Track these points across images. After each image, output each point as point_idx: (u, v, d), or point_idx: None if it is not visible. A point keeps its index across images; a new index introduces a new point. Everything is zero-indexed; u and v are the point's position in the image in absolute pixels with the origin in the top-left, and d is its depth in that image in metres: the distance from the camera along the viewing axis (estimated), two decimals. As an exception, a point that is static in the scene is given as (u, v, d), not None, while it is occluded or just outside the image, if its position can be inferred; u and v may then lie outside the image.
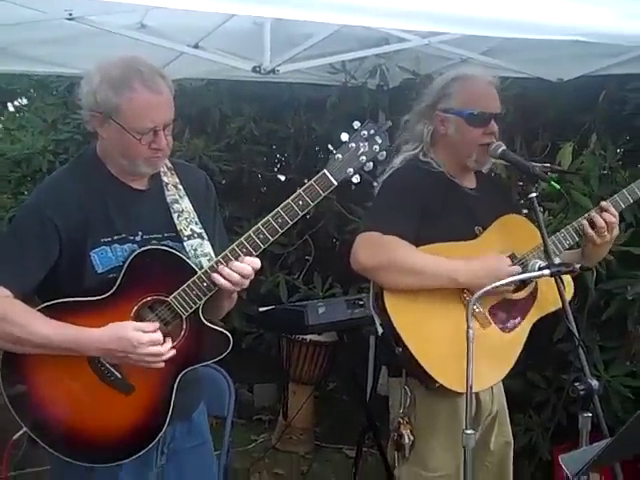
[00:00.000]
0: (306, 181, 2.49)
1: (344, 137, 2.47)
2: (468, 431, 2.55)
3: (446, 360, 2.82)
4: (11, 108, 9.69)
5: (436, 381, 2.85)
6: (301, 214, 2.46)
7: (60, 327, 2.42)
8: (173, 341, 2.50)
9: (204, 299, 2.49)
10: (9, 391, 2.50)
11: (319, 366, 5.53)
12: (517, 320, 3.02)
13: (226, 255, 2.46)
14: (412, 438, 2.95)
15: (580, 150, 4.36)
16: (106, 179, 2.57)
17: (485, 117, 3.00)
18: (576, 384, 2.57)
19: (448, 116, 3.03)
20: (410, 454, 2.96)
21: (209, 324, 2.55)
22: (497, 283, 2.67)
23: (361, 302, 4.58)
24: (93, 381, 2.48)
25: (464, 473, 2.58)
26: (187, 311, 2.49)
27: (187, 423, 2.71)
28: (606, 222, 3.04)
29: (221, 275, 2.45)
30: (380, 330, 2.97)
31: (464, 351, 2.58)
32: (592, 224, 3.05)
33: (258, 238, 2.45)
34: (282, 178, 6.62)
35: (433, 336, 2.88)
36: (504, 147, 2.99)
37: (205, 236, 2.60)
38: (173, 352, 2.46)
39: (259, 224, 2.47)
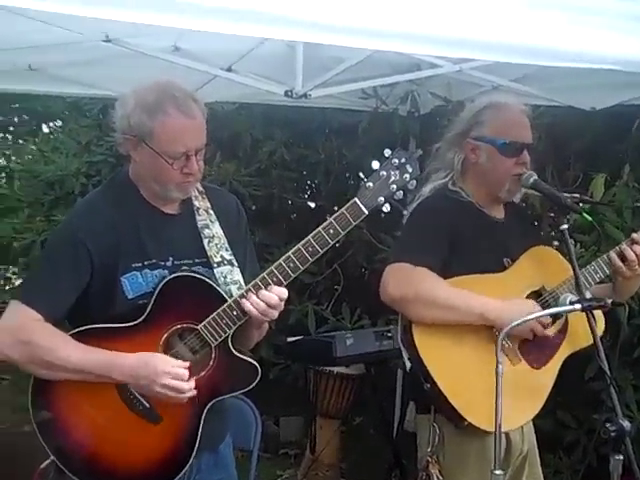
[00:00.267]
0: (336, 208, 2.48)
1: (375, 165, 2.46)
2: (497, 472, 2.48)
3: (475, 398, 2.76)
4: (45, 130, 9.82)
5: (465, 419, 2.80)
6: (332, 243, 2.45)
7: (90, 351, 2.43)
8: (202, 370, 2.49)
9: (234, 328, 2.48)
10: (38, 418, 2.51)
11: (346, 399, 5.48)
12: (548, 356, 2.96)
13: (256, 283, 2.46)
14: (441, 478, 2.89)
15: (613, 181, 4.31)
16: (138, 203, 2.58)
17: (517, 147, 2.98)
18: (607, 425, 2.50)
19: (480, 144, 3.01)
20: None
21: (238, 354, 2.53)
22: (528, 317, 2.63)
23: (389, 334, 4.55)
24: (122, 410, 2.48)
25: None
26: (216, 340, 2.48)
27: (213, 455, 2.69)
28: (637, 255, 2.99)
29: (249, 303, 2.43)
30: (408, 364, 2.93)
31: (494, 388, 2.52)
32: (623, 257, 3.00)
33: (288, 267, 2.45)
34: (312, 205, 6.62)
35: (462, 372, 2.84)
36: (536, 177, 2.96)
37: (235, 263, 2.59)
38: (195, 392, 2.45)
39: (290, 252, 2.46)
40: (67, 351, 2.42)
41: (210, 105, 2.56)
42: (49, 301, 2.47)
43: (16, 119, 11.00)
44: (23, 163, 8.42)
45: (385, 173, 2.45)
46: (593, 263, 3.04)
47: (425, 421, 2.95)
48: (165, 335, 2.49)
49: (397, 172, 2.46)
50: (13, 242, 7.22)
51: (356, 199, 2.44)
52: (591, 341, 2.71)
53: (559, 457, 4.36)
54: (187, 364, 2.45)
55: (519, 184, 3.00)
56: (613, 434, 2.48)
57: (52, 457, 2.51)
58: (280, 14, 2.05)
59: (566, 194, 2.93)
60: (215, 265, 2.57)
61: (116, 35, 3.48)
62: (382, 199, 2.46)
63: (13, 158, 9.93)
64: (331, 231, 2.44)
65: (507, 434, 2.93)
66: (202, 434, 2.51)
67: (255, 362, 2.54)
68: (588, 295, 2.81)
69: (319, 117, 5.93)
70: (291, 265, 2.44)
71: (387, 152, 2.48)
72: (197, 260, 2.59)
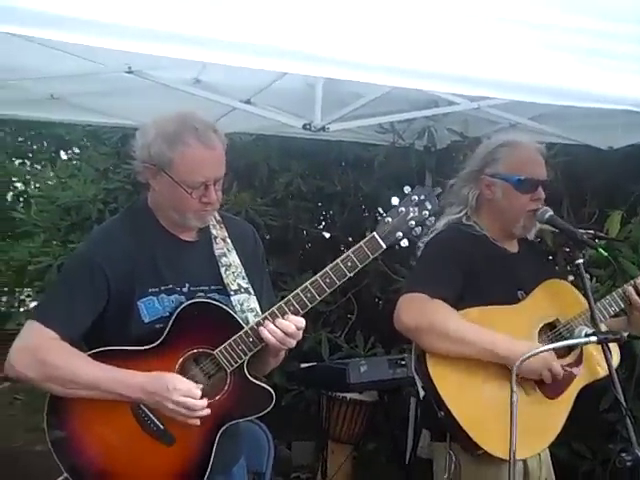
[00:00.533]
0: (351, 239, 2.51)
1: (394, 201, 2.49)
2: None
3: (490, 426, 2.77)
4: (64, 156, 9.92)
5: (480, 447, 2.80)
6: (349, 275, 2.48)
7: (105, 369, 2.45)
8: (216, 395, 2.50)
9: (249, 354, 2.50)
10: (52, 436, 2.52)
11: (359, 425, 5.46)
12: (563, 387, 2.96)
13: (273, 312, 2.48)
14: None
15: (629, 218, 4.32)
16: (155, 230, 2.61)
17: (533, 183, 3.01)
18: (623, 454, 2.50)
19: (495, 181, 3.04)
20: None
21: (253, 379, 2.55)
22: (544, 347, 2.63)
23: (403, 362, 4.56)
24: (135, 430, 2.49)
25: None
26: (232, 365, 2.50)
27: (227, 477, 2.70)
28: None
29: (266, 330, 2.45)
30: (422, 393, 2.95)
31: (507, 417, 2.52)
32: (637, 290, 3.02)
33: (305, 297, 2.47)
34: (327, 235, 6.65)
35: (476, 401, 2.85)
36: (551, 212, 2.99)
37: (252, 291, 2.62)
38: (208, 411, 2.46)
39: (307, 283, 2.48)
40: (82, 369, 2.45)
41: (228, 136, 2.58)
42: (65, 321, 2.49)
43: (35, 146, 11.11)
44: (41, 189, 8.48)
45: (404, 209, 2.48)
46: (608, 297, 3.06)
47: (441, 448, 2.95)
48: (181, 359, 2.51)
49: (416, 209, 2.49)
50: (28, 265, 7.27)
51: (375, 233, 2.47)
52: (606, 372, 2.73)
53: (575, 487, 4.35)
54: (200, 385, 2.46)
55: (534, 220, 3.03)
56: (629, 463, 2.48)
57: (65, 474, 2.52)
58: (300, 50, 2.08)
59: (581, 230, 2.95)
60: (232, 293, 2.59)
61: (138, 67, 3.52)
62: (400, 234, 2.48)
63: (31, 184, 10.02)
64: (349, 264, 2.46)
65: (524, 461, 2.94)
66: (215, 457, 2.53)
67: (270, 388, 2.56)
68: (603, 328, 2.82)
69: (336, 150, 5.97)
70: (308, 295, 2.47)
71: (407, 189, 2.51)
72: (213, 287, 2.62)
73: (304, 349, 5.40)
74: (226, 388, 2.53)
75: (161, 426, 2.49)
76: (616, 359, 2.95)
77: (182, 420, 2.45)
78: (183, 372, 2.51)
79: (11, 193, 10.58)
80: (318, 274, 2.48)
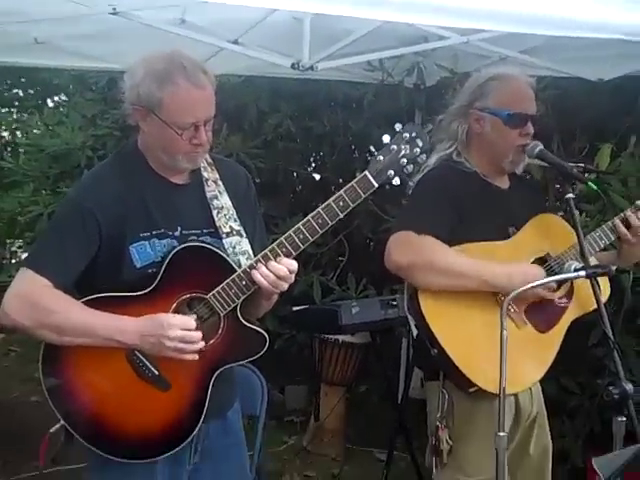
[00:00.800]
0: (341, 180, 2.50)
1: (386, 139, 2.47)
2: (500, 433, 2.50)
3: (482, 362, 2.79)
4: (50, 104, 9.81)
5: (473, 384, 2.83)
6: (341, 215, 2.47)
7: (99, 315, 2.45)
8: (210, 339, 2.51)
9: (242, 297, 2.50)
10: (48, 384, 2.53)
11: (351, 367, 5.53)
12: (553, 320, 2.99)
13: (266, 254, 2.47)
14: (450, 443, 2.93)
15: (619, 152, 4.31)
16: (146, 173, 2.59)
17: (522, 118, 2.99)
18: (610, 387, 2.53)
19: (484, 115, 3.02)
20: (448, 459, 2.94)
21: (246, 323, 2.55)
22: (532, 284, 2.64)
23: (395, 303, 4.57)
24: (130, 377, 2.50)
25: (497, 476, 2.55)
26: (225, 309, 2.50)
27: (222, 421, 2.72)
28: None
29: (259, 273, 2.45)
30: (415, 331, 2.97)
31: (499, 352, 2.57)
32: (627, 223, 3.03)
33: (298, 238, 2.46)
34: (317, 177, 6.63)
35: (469, 337, 2.87)
36: (541, 146, 2.98)
37: (244, 234, 2.61)
38: (203, 344, 2.46)
39: (299, 224, 2.47)
40: (76, 315, 2.45)
41: (217, 78, 2.55)
42: (58, 268, 2.48)
43: (21, 94, 10.98)
44: (28, 137, 8.41)
45: (396, 147, 2.47)
46: (598, 230, 3.06)
47: (434, 387, 2.98)
48: (174, 304, 2.50)
49: (407, 146, 2.48)
50: (18, 216, 7.24)
51: (366, 172, 2.46)
52: (596, 305, 2.74)
53: (562, 422, 4.41)
54: (194, 316, 2.47)
55: (522, 155, 3.02)
56: (616, 397, 2.50)
57: (62, 422, 2.54)
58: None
59: (572, 164, 2.95)
60: (224, 235, 2.58)
61: (123, 8, 3.47)
62: (392, 172, 2.47)
63: (18, 133, 9.93)
64: (341, 203, 2.45)
65: (516, 397, 2.99)
66: (210, 401, 2.54)
67: (263, 331, 2.57)
68: (593, 262, 2.84)
69: (324, 90, 5.93)
70: (300, 236, 2.46)
71: (398, 126, 2.49)
72: (205, 230, 2.60)
73: (295, 293, 5.41)
74: (220, 332, 2.53)
75: (156, 372, 2.50)
76: (606, 293, 2.97)
77: (180, 357, 2.45)
78: None
79: (-2, 143, 10.50)
80: (310, 215, 2.47)
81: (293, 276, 2.51)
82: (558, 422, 4.35)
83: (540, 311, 2.97)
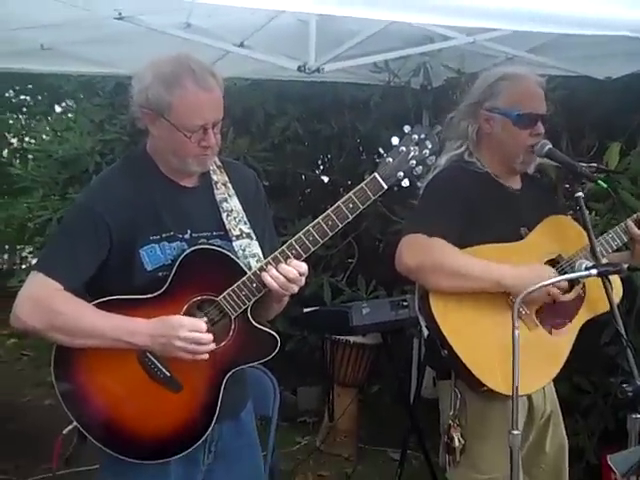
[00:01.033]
0: (350, 182, 2.50)
1: (395, 141, 2.47)
2: (514, 431, 2.51)
3: (493, 363, 2.78)
4: (58, 109, 9.84)
5: (483, 384, 2.82)
6: (351, 217, 2.47)
7: (110, 317, 2.45)
8: (221, 341, 2.51)
9: (253, 300, 2.50)
10: (61, 387, 2.53)
11: (363, 368, 5.53)
12: (565, 322, 2.97)
13: (276, 257, 2.47)
14: (462, 441, 2.92)
15: (628, 150, 4.29)
16: (155, 176, 2.59)
17: (532, 118, 2.97)
18: (624, 385, 2.52)
19: (494, 115, 3.00)
20: (461, 457, 2.93)
21: (257, 325, 2.55)
22: (543, 283, 2.63)
23: (405, 303, 4.56)
24: (142, 379, 2.50)
25: (511, 473, 2.54)
26: (236, 311, 2.50)
27: (235, 422, 2.72)
28: None
29: (269, 276, 2.45)
30: (425, 332, 2.96)
31: (510, 353, 2.54)
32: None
33: (308, 240, 2.46)
34: (325, 180, 6.63)
35: (479, 338, 2.85)
36: (550, 146, 2.96)
37: (253, 236, 2.61)
38: (214, 345, 2.46)
39: (309, 226, 2.47)
40: (87, 317, 2.45)
41: (223, 81, 2.55)
42: (69, 271, 2.48)
43: (29, 100, 11.02)
44: (37, 143, 8.45)
45: (405, 149, 2.46)
46: (610, 231, 3.05)
47: (447, 386, 2.97)
48: (185, 307, 2.51)
49: (417, 148, 2.47)
50: (28, 222, 7.27)
51: (376, 174, 2.45)
52: (608, 308, 2.73)
53: (576, 420, 4.40)
54: (205, 319, 2.48)
55: (533, 155, 3.00)
56: (630, 394, 2.50)
57: (75, 423, 2.54)
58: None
59: (584, 164, 2.93)
60: (234, 238, 2.58)
61: (128, 12, 3.48)
62: (402, 174, 2.47)
63: (26, 139, 9.97)
64: (350, 205, 2.45)
65: (529, 396, 2.98)
66: (223, 402, 2.54)
67: (274, 333, 2.56)
68: (604, 262, 2.82)
69: (331, 92, 5.93)
70: (310, 239, 2.46)
71: (407, 128, 2.48)
72: (215, 233, 2.60)
73: (306, 294, 5.39)
74: (231, 334, 2.53)
75: (168, 373, 2.50)
76: (619, 292, 2.97)
77: (190, 358, 2.45)
78: None
79: (7, 149, 10.52)
80: (320, 217, 2.46)
81: (303, 279, 2.51)
82: (572, 421, 4.34)
83: (552, 313, 2.95)
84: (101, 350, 2.47)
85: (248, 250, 2.57)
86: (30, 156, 8.34)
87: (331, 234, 2.48)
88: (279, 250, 2.48)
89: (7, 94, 10.78)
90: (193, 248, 2.52)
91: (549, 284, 2.73)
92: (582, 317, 3.01)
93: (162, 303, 2.49)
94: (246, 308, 2.51)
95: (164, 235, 2.53)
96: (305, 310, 4.98)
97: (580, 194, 2.83)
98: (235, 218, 2.61)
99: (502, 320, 2.76)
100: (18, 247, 9.66)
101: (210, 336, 2.46)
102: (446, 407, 2.99)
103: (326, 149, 6.54)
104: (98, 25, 3.69)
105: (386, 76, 5.14)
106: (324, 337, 5.57)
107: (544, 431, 3.12)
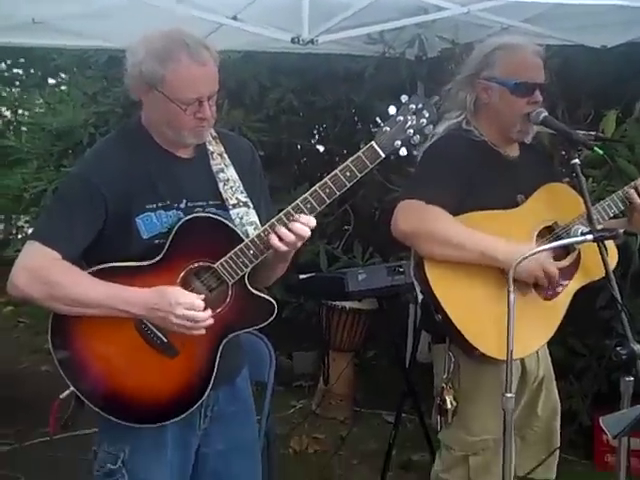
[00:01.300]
0: (345, 152, 2.49)
1: (392, 110, 2.46)
2: (508, 394, 2.55)
3: (486, 327, 2.81)
4: (51, 82, 9.79)
5: (476, 349, 2.84)
6: (348, 185, 2.46)
7: (108, 286, 2.46)
8: (218, 307, 2.52)
9: (250, 266, 2.50)
10: (58, 355, 2.54)
11: (359, 334, 5.57)
12: (559, 288, 2.99)
13: (273, 223, 2.47)
14: (455, 404, 2.96)
15: (624, 118, 4.30)
16: (151, 148, 2.58)
17: (529, 87, 2.97)
18: (618, 348, 2.53)
19: (491, 85, 3.00)
20: (453, 419, 2.97)
21: (255, 291, 2.56)
22: (540, 248, 2.64)
23: (401, 269, 4.57)
24: (139, 345, 2.51)
25: (504, 436, 2.58)
26: (233, 278, 2.51)
27: (231, 388, 2.74)
28: None
29: (276, 237, 2.45)
30: (420, 297, 2.98)
31: (504, 318, 2.58)
32: (638, 192, 3.01)
33: (305, 207, 2.46)
34: (321, 149, 6.63)
35: (472, 303, 2.87)
36: (546, 113, 2.96)
37: (250, 205, 2.61)
38: (211, 321, 2.48)
39: (307, 194, 2.47)
40: (85, 286, 2.45)
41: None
42: (66, 240, 2.48)
43: (22, 73, 10.96)
44: (30, 115, 8.43)
45: (402, 118, 2.46)
46: (608, 199, 3.05)
47: (441, 350, 3.00)
48: (182, 274, 2.51)
49: (414, 117, 2.46)
50: (23, 192, 7.26)
51: (373, 143, 2.45)
52: (602, 274, 2.73)
53: (570, 383, 4.46)
54: (202, 296, 2.48)
55: (530, 123, 3.00)
56: (624, 357, 2.51)
57: (72, 388, 2.55)
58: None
59: (582, 132, 2.93)
60: (231, 207, 2.58)
61: (122, -15, 3.46)
62: (399, 143, 2.46)
63: (20, 111, 9.93)
64: (348, 173, 2.44)
65: (522, 360, 3.00)
66: (219, 368, 2.56)
67: (271, 299, 2.58)
68: (600, 227, 2.83)
69: (325, 63, 5.91)
70: (308, 206, 2.46)
71: (404, 98, 2.47)
72: (211, 202, 2.61)
73: (302, 262, 5.43)
74: (228, 300, 2.54)
75: (164, 339, 2.51)
76: (614, 259, 2.97)
77: (186, 332, 2.47)
78: (185, 286, 2.51)
79: (0, 121, 10.49)
80: (317, 185, 2.46)
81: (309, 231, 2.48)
82: (566, 383, 4.40)
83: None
84: (98, 317, 2.48)
85: (246, 218, 2.58)
86: (24, 128, 8.31)
87: (328, 202, 2.47)
88: (276, 217, 2.48)
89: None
90: (190, 216, 2.52)
91: (544, 250, 2.74)
92: (576, 284, 3.02)
93: (159, 270, 2.50)
94: (243, 275, 2.52)
95: (160, 204, 2.53)
96: (301, 277, 4.99)
97: (576, 161, 2.82)
98: (232, 187, 2.61)
99: (496, 285, 2.80)
100: (14, 217, 9.65)
101: (208, 314, 2.47)
102: (440, 370, 3.02)
103: (321, 120, 6.54)
104: (89, -1, 3.67)
105: (380, 47, 5.12)
106: (320, 303, 5.59)
107: (537, 395, 3.15)
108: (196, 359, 2.56)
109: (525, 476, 3.13)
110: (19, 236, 9.69)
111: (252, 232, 2.53)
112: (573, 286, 3.01)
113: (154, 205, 2.52)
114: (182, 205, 2.56)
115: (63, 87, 9.01)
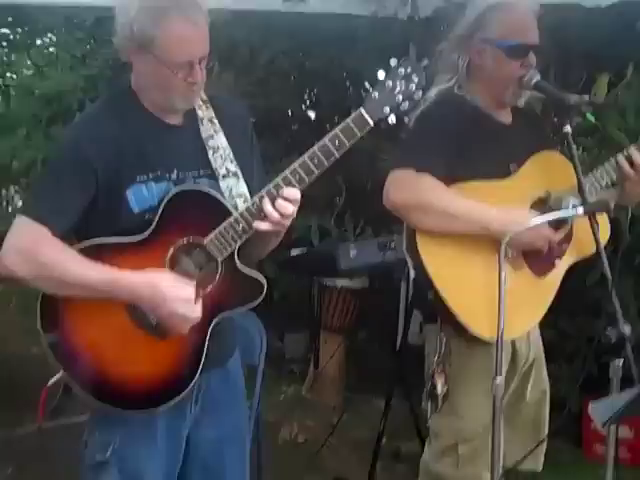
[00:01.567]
0: (337, 118, 2.44)
1: (381, 75, 2.41)
2: (497, 379, 2.52)
3: (478, 306, 2.78)
4: (39, 42, 9.66)
5: (466, 330, 2.82)
6: (337, 154, 2.41)
7: (99, 269, 2.41)
8: (208, 285, 2.49)
9: (239, 242, 2.47)
10: (49, 338, 2.52)
11: (350, 313, 5.55)
12: (551, 264, 2.97)
13: (262, 196, 2.43)
14: (445, 388, 2.93)
15: (618, 81, 4.25)
16: (140, 114, 2.53)
17: (524, 49, 2.92)
18: (608, 329, 2.51)
19: (485, 47, 2.95)
20: (443, 404, 2.94)
21: (244, 269, 2.53)
22: (530, 224, 2.62)
23: (393, 245, 4.55)
24: (129, 325, 2.49)
25: (493, 421, 2.56)
26: (223, 254, 2.47)
27: (222, 371, 2.72)
28: None
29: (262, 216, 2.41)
30: (412, 273, 2.95)
31: (496, 296, 2.53)
32: (631, 161, 2.97)
33: (294, 179, 2.42)
34: (312, 116, 6.57)
35: (465, 280, 2.85)
36: (539, 77, 2.92)
37: (240, 175, 2.56)
38: (199, 317, 2.45)
39: (295, 165, 2.42)
40: (74, 269, 2.40)
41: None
42: (56, 215, 2.44)
43: (8, 31, 10.80)
44: (18, 78, 8.32)
45: (391, 83, 2.41)
46: (599, 167, 3.00)
47: (433, 330, 2.98)
48: (171, 251, 2.47)
49: (403, 82, 2.41)
50: (12, 161, 7.18)
51: (361, 109, 2.40)
52: (594, 250, 2.71)
53: (559, 366, 4.44)
54: (194, 283, 2.44)
55: (523, 87, 2.95)
56: (614, 340, 2.49)
57: (61, 372, 2.54)
58: None
59: (576, 95, 2.89)
60: (221, 178, 2.54)
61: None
62: (388, 110, 2.41)
63: (7, 74, 9.80)
64: (337, 142, 2.40)
65: (512, 343, 2.98)
66: (210, 350, 2.53)
67: (261, 277, 2.54)
68: (592, 199, 2.80)
69: (316, 24, 5.82)
70: (297, 177, 2.42)
71: (393, 62, 2.42)
72: (202, 172, 2.56)
73: (293, 236, 5.37)
74: (217, 278, 2.50)
75: (154, 320, 2.48)
76: (606, 234, 2.96)
77: (175, 328, 2.46)
78: (174, 264, 2.48)
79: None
80: (306, 154, 2.41)
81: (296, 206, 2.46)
82: (555, 367, 4.37)
83: (537, 255, 2.94)
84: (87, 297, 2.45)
85: (235, 190, 2.53)
86: (13, 93, 8.20)
87: (317, 173, 2.43)
88: (265, 189, 2.43)
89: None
90: (177, 189, 2.47)
91: (536, 225, 2.71)
92: (568, 260, 3.01)
93: (148, 247, 2.46)
94: (233, 251, 2.48)
95: (151, 175, 2.49)
96: (292, 253, 4.97)
97: (568, 129, 2.78)
98: (221, 156, 2.56)
99: (488, 261, 2.76)
100: (3, 188, 9.56)
101: (199, 308, 2.44)
102: (431, 351, 2.99)
103: (312, 83, 6.46)
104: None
105: (373, 5, 5.05)
106: (312, 281, 5.56)
107: (526, 379, 3.14)
108: (186, 341, 2.51)
109: (512, 469, 3.07)
110: (9, 209, 9.59)
111: (241, 204, 2.48)
112: (565, 262, 2.99)
113: (145, 176, 2.48)
114: (173, 176, 2.52)
115: (51, 48, 8.89)
